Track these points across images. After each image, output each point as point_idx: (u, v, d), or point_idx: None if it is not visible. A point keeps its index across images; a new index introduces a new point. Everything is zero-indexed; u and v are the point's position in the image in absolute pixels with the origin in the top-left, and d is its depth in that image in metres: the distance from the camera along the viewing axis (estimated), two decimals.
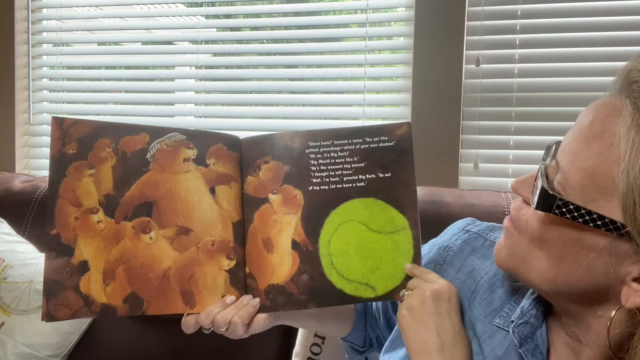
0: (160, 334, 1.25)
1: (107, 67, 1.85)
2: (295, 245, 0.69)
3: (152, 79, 1.81)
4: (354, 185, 0.70)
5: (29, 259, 1.27)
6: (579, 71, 1.40)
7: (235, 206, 0.71)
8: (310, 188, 0.70)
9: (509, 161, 1.45)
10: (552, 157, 0.55)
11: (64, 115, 0.72)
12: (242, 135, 0.75)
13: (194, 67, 1.74)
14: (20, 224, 1.38)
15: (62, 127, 0.69)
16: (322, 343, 1.12)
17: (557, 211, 0.50)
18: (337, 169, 0.71)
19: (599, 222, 0.48)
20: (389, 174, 0.70)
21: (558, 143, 0.55)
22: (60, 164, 0.68)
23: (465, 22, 1.44)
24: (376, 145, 0.71)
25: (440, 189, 1.27)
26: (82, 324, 1.25)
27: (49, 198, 0.67)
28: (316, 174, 0.71)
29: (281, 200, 0.70)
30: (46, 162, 1.80)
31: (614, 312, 0.50)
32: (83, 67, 1.81)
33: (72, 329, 1.23)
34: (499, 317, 0.62)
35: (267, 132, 0.74)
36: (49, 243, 0.66)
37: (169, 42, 1.82)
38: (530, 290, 0.61)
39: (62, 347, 1.22)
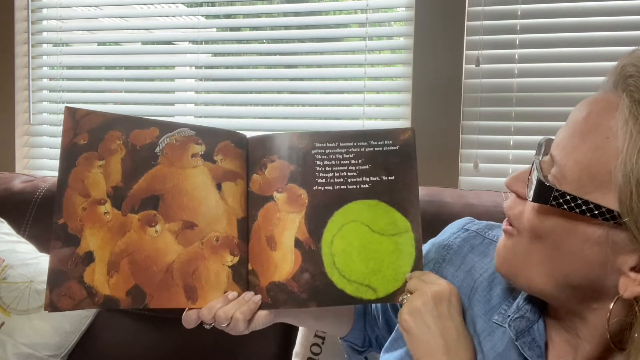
0: (160, 334, 1.25)
1: (107, 67, 1.84)
2: (298, 243, 0.70)
3: (152, 79, 1.81)
4: (358, 186, 0.71)
5: (29, 259, 1.27)
6: (579, 71, 1.40)
7: (240, 203, 0.71)
8: (315, 188, 0.71)
9: (509, 161, 1.46)
10: (545, 152, 0.56)
11: (77, 106, 0.72)
12: None
13: (194, 67, 1.74)
14: (20, 224, 1.37)
15: (75, 118, 0.70)
16: (322, 343, 1.12)
17: (553, 202, 0.50)
18: (342, 170, 0.71)
19: (596, 212, 0.48)
20: (392, 177, 0.71)
21: (549, 140, 0.56)
22: (70, 154, 0.69)
23: (465, 22, 1.44)
24: (381, 148, 0.72)
25: (440, 189, 1.27)
26: (82, 324, 1.24)
27: (58, 187, 0.67)
28: (321, 174, 0.71)
29: (286, 199, 0.71)
30: (46, 162, 1.80)
31: (612, 304, 0.51)
32: (83, 67, 1.81)
33: (72, 328, 1.23)
34: (497, 314, 0.63)
35: (272, 132, 0.74)
36: (56, 232, 0.66)
37: (169, 42, 1.82)
38: None
39: (62, 347, 1.21)
